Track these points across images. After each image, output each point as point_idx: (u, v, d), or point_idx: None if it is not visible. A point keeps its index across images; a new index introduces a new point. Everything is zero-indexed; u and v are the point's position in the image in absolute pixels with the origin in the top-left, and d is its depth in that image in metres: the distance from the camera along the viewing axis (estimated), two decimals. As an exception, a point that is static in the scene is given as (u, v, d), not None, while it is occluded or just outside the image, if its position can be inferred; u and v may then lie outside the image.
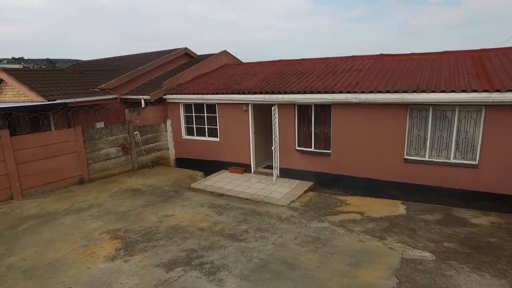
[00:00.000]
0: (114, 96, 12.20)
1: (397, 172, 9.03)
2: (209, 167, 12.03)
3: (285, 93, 10.02)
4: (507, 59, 9.61)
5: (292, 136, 10.34)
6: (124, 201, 8.80)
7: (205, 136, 12.26)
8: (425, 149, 8.73)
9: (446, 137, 8.49)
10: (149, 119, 12.29)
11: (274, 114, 10.25)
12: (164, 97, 12.45)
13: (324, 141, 10.02)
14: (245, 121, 11.12)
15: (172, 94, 12.31)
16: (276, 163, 10.51)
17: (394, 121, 8.83)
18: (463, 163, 8.28)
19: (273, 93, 10.20)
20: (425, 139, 8.69)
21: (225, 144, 11.72)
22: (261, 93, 10.40)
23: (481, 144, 8.03)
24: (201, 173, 11.66)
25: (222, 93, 11.15)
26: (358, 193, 9.52)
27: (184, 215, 7.79)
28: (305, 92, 9.70)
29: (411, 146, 8.91)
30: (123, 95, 12.93)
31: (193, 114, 12.33)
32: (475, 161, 8.16)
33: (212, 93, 11.36)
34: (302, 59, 13.37)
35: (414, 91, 8.28)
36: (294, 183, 10.20)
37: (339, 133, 9.59)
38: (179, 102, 12.43)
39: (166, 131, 12.82)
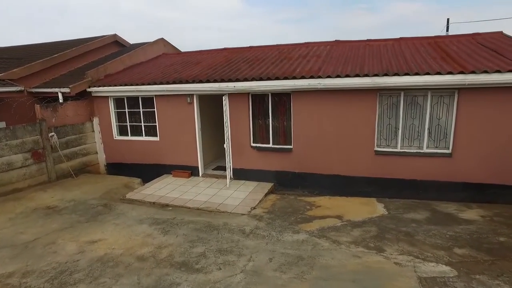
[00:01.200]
0: (18, 89, 9.40)
1: (368, 166, 7.91)
2: (149, 172, 9.91)
3: (237, 80, 8.36)
4: (463, 44, 9.12)
5: (247, 131, 8.74)
6: (31, 225, 6.38)
7: (142, 135, 10.09)
8: (397, 139, 7.73)
9: (418, 125, 7.55)
10: (70, 117, 9.74)
11: (225, 106, 8.55)
12: (89, 90, 9.98)
13: (283, 135, 8.57)
14: (189, 116, 9.23)
15: (99, 86, 9.90)
16: (229, 163, 8.82)
17: (363, 109, 7.68)
18: (437, 153, 7.41)
19: (222, 81, 8.48)
20: (397, 128, 7.68)
21: (167, 144, 9.71)
22: (208, 81, 8.60)
23: (454, 131, 7.20)
24: (138, 180, 9.49)
25: (161, 83, 9.12)
26: (325, 192, 8.24)
27: (117, 239, 5.72)
28: (260, 79, 8.14)
29: (381, 136, 7.84)
30: (33, 87, 10.13)
31: (126, 110, 10.07)
32: (449, 149, 7.32)
33: (149, 83, 9.26)
34: (251, 47, 11.83)
35: (386, 74, 7.18)
36: (251, 185, 8.61)
37: (301, 125, 8.22)
38: (108, 96, 10.06)
39: (93, 131, 10.35)
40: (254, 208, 7.20)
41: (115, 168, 10.54)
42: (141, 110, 9.86)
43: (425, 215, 6.14)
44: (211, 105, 10.45)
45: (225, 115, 8.54)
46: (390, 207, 6.75)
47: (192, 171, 9.54)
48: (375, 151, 7.77)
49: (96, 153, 10.46)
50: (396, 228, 5.57)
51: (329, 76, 7.53)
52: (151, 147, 9.91)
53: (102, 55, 12.50)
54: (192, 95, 9.02)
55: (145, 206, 7.51)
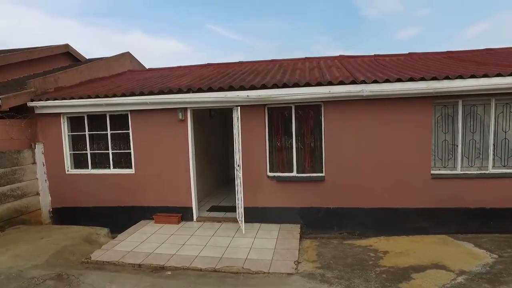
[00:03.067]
0: None
1: (423, 195, 6.07)
2: (119, 218, 6.93)
3: (252, 88, 6.21)
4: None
5: (262, 156, 6.47)
6: None
7: (109, 167, 7.19)
8: (456, 159, 6.10)
9: (479, 140, 6.08)
10: (-1, 143, 6.57)
11: (236, 124, 6.28)
12: (31, 104, 6.95)
13: (311, 160, 6.47)
14: (180, 138, 6.71)
15: (47, 99, 6.98)
16: (239, 200, 6.36)
17: (415, 122, 5.97)
18: (506, 173, 5.93)
19: (231, 89, 6.24)
20: (455, 145, 6.10)
21: (147, 178, 6.93)
22: (210, 89, 6.31)
23: (522, 147, 5.85)
24: (105, 231, 6.44)
25: (142, 94, 6.57)
26: (369, 232, 6.16)
27: None
28: (285, 86, 6.12)
29: (437, 156, 6.19)
30: None
31: (87, 133, 7.19)
32: (518, 169, 5.89)
33: (123, 95, 6.66)
34: (240, 62, 9.89)
35: (448, 77, 5.67)
36: (273, 229, 6.19)
37: (335, 146, 6.21)
38: (60, 113, 7.11)
39: (35, 162, 7.14)
40: (298, 262, 4.79)
41: (67, 215, 7.31)
42: (108, 132, 7.07)
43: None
44: (201, 124, 8.06)
45: (236, 135, 6.22)
46: (486, 247, 4.89)
47: (182, 213, 6.82)
48: (432, 174, 6.03)
49: (38, 194, 7.18)
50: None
51: (375, 81, 5.78)
52: (123, 183, 7.03)
53: (49, 68, 9.49)
54: (185, 109, 6.59)
55: (127, 272, 4.63)
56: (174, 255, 5.13)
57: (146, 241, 5.76)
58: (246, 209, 6.29)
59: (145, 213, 6.96)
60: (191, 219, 6.79)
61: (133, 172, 6.97)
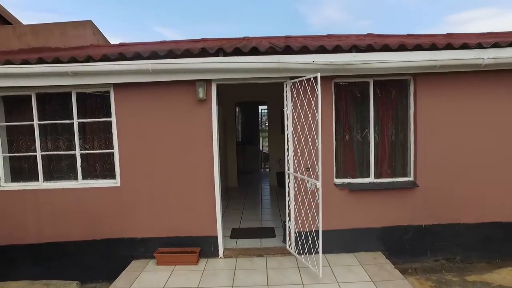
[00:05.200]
0: None
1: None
2: (93, 260, 4.18)
3: (321, 51, 4.00)
4: None
5: (327, 154, 4.25)
6: None
7: (76, 178, 4.38)
8: None
9: None
10: None
11: (288, 106, 4.04)
12: None
13: (391, 159, 4.45)
14: (200, 129, 4.16)
15: (-41, 69, 3.99)
16: (290, 222, 4.07)
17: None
18: None
19: (288, 50, 3.96)
20: None
21: (141, 193, 4.24)
22: (256, 51, 3.94)
23: None
24: (73, 285, 3.71)
25: (139, 57, 4.01)
26: (474, 256, 4.28)
27: None
28: (371, 49, 4.01)
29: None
30: None
31: (36, 122, 4.31)
32: None
33: (106, 58, 4.00)
34: (247, 37, 7.56)
35: None
36: (352, 264, 3.93)
37: (431, 139, 4.20)
38: (-16, 91, 4.19)
39: None
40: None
41: (-3, 261, 4.32)
42: (75, 121, 4.29)
43: None
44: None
45: (289, 122, 3.97)
46: None
47: (201, 246, 4.32)
48: (555, 175, 4.40)
49: None
50: None
51: (496, 45, 3.98)
52: (101, 203, 4.28)
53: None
54: (209, 83, 4.13)
55: None
56: None
57: (159, 307, 3.20)
58: (301, 234, 4.02)
59: (139, 248, 4.29)
60: (215, 254, 4.30)
61: (118, 185, 4.27)
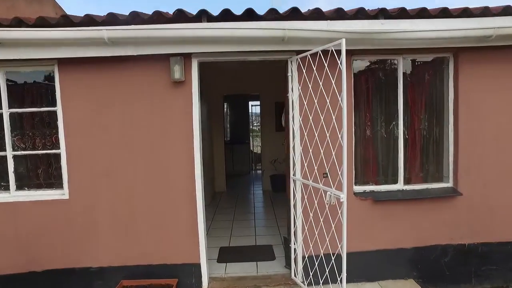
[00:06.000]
0: None
1: None
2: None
3: (336, 17, 3.01)
4: None
5: (347, 154, 3.27)
6: None
7: (7, 189, 3.27)
8: None
9: None
10: None
11: (292, 90, 3.03)
12: None
13: (421, 159, 3.50)
14: (177, 119, 3.09)
15: None
16: (296, 243, 3.06)
17: None
18: None
19: (297, 15, 2.93)
20: None
21: (97, 208, 3.12)
22: (251, 16, 2.89)
23: None
24: None
25: (92, 22, 2.90)
26: (528, 283, 3.42)
27: None
28: (398, 15, 3.04)
29: None
30: None
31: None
32: None
33: (48, 23, 2.91)
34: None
35: None
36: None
37: (478, 134, 3.23)
38: None
39: None
40: None
41: None
42: (4, 112, 3.15)
43: None
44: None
45: (293, 114, 2.96)
46: None
47: (179, 276, 3.25)
48: None
49: None
50: None
51: None
52: (42, 222, 3.14)
53: None
54: (188, 58, 3.07)
55: None
56: None
57: None
58: (312, 259, 3.00)
59: (96, 281, 3.18)
60: (198, 285, 3.24)
61: (66, 197, 3.13)
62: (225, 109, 9.81)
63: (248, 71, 6.41)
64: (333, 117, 2.66)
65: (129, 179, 3.13)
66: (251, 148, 10.49)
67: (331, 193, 2.51)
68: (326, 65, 2.65)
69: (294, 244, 3.23)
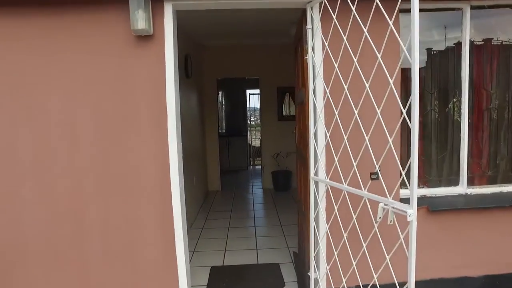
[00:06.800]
0: None
1: None
2: None
3: None
4: None
5: (395, 144, 2.20)
6: None
7: None
8: None
9: None
10: None
11: (313, 48, 2.01)
12: None
13: (492, 151, 2.55)
14: (140, 93, 2.08)
15: None
16: (316, 271, 2.08)
17: None
18: None
19: None
20: None
21: (23, 231, 2.16)
22: None
23: None
24: None
25: None
26: None
27: None
28: None
29: None
30: None
31: None
32: None
33: None
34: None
35: None
36: None
37: None
38: None
39: None
40: None
41: None
42: None
43: None
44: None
45: (314, 85, 1.93)
46: None
47: (150, 322, 2.28)
48: None
49: None
50: None
51: None
52: None
53: None
54: (160, 1, 2.08)
55: None
56: None
57: None
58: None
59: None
60: (179, 336, 2.27)
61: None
62: (220, 98, 8.81)
63: (246, 50, 5.43)
64: (389, 84, 1.64)
65: (71, 186, 2.12)
66: (249, 142, 9.51)
67: (388, 206, 1.52)
68: (371, 12, 1.62)
69: (315, 272, 2.26)
